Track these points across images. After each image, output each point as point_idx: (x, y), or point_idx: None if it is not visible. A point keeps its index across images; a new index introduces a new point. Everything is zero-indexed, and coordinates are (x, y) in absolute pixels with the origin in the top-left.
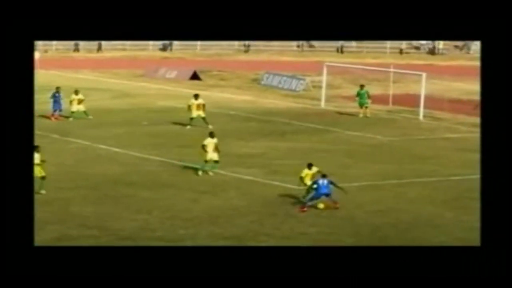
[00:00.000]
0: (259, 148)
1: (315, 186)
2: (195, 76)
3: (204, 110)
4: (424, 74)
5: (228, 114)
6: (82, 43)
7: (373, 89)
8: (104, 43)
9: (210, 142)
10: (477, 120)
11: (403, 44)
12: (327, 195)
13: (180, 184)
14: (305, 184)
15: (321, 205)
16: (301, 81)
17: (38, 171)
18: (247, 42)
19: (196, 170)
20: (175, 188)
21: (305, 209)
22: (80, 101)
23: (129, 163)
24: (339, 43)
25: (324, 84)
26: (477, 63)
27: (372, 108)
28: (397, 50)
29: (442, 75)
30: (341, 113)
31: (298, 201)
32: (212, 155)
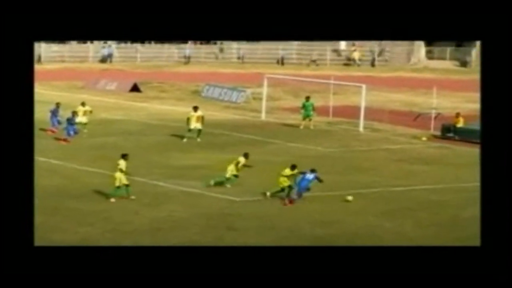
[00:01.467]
0: (200, 160)
1: (299, 178)
2: (135, 88)
3: (203, 122)
4: (364, 86)
5: (169, 126)
6: None
7: (313, 101)
8: (43, 54)
9: (242, 161)
10: (416, 131)
11: (314, 56)
12: (307, 189)
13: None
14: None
15: (349, 198)
16: (242, 93)
17: (119, 179)
18: (187, 54)
19: (221, 183)
20: (116, 201)
21: (289, 203)
22: (85, 113)
23: (70, 176)
24: (280, 55)
25: (264, 96)
26: (419, 75)
27: (313, 119)
28: (336, 62)
29: (382, 86)
30: (282, 125)
31: (238, 213)
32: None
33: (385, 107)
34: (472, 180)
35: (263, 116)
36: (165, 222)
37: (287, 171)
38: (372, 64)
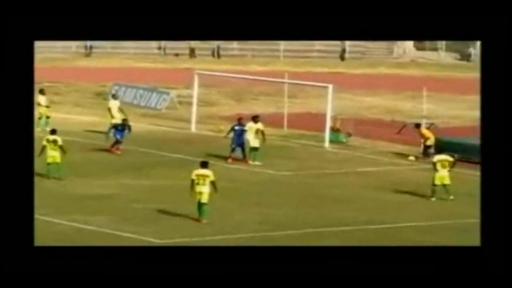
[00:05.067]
0: (107, 187)
1: None
2: None
3: (264, 138)
4: (330, 86)
5: (64, 141)
6: None
7: (262, 107)
8: None
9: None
10: (402, 147)
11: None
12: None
13: None
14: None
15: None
16: (164, 96)
17: None
18: (88, 43)
19: None
20: None
21: None
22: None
23: None
24: (215, 44)
25: (195, 100)
26: (404, 71)
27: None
28: (293, 54)
29: (354, 87)
30: (218, 139)
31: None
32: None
33: (359, 115)
34: (473, 215)
35: (193, 127)
36: None
37: None
38: (342, 57)
